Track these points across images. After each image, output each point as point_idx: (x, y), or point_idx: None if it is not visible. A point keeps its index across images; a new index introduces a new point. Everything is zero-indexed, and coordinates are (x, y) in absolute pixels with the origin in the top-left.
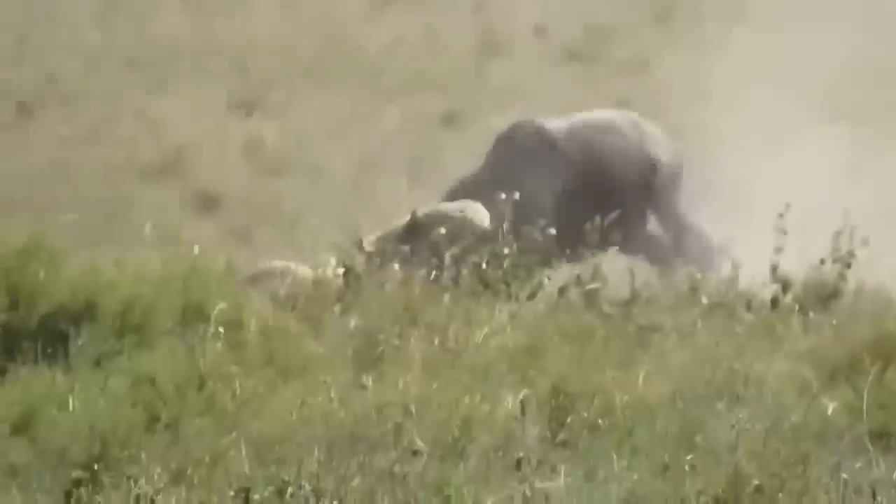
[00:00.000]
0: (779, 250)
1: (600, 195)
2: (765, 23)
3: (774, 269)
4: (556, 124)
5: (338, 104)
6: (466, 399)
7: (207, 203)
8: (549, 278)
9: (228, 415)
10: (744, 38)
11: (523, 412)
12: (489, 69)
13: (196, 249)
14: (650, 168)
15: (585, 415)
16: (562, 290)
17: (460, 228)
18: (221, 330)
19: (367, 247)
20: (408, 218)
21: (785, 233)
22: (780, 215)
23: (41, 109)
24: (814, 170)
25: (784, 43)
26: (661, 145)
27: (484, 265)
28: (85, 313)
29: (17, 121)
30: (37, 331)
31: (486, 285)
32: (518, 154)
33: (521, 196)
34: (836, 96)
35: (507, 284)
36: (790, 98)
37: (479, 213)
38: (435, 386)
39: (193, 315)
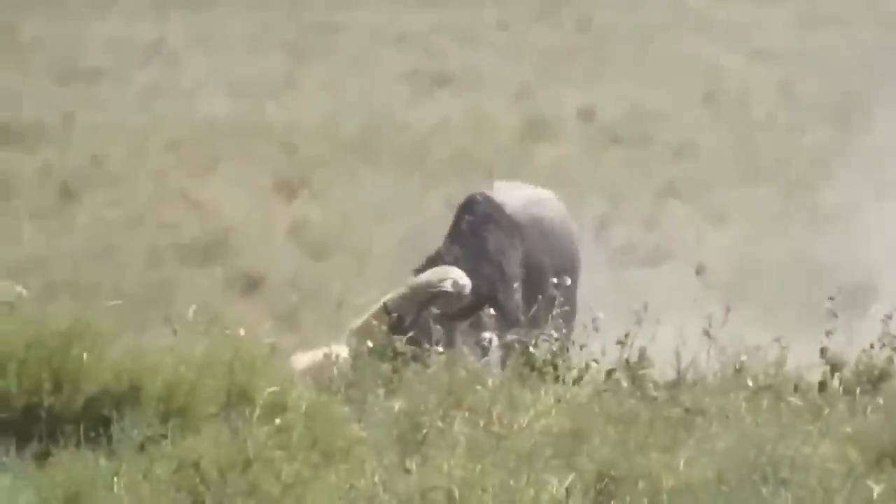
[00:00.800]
0: (829, 333)
1: (539, 268)
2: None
3: (824, 350)
4: (503, 197)
5: (382, 185)
6: (511, 483)
7: (252, 285)
8: (596, 361)
9: (272, 499)
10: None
11: (568, 496)
12: (535, 152)
13: (241, 332)
14: (573, 244)
15: (629, 499)
16: (609, 374)
17: (447, 300)
18: (265, 414)
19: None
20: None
21: (836, 315)
22: (831, 298)
23: (86, 192)
24: (868, 248)
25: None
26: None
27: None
28: (128, 396)
29: (62, 203)
30: (80, 414)
31: (533, 368)
32: (484, 224)
33: (496, 265)
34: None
35: (555, 367)
36: (840, 176)
37: (458, 276)
38: (479, 469)
39: (237, 398)
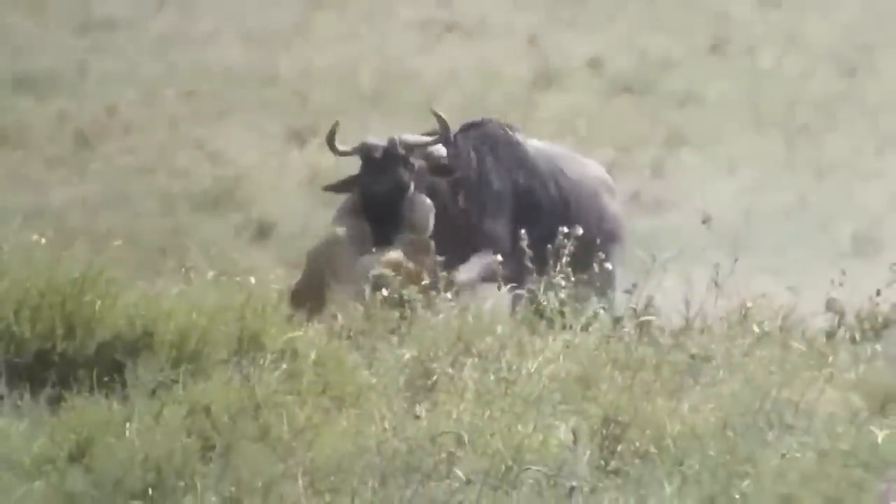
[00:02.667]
0: (835, 281)
1: (554, 216)
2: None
3: (830, 301)
4: (521, 137)
5: (394, 132)
6: (519, 427)
7: (263, 232)
8: (604, 309)
9: (283, 444)
10: (792, 65)
11: (575, 441)
12: (543, 100)
13: (251, 279)
14: (604, 215)
15: (637, 444)
16: (616, 321)
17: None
18: (276, 360)
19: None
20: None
21: (843, 273)
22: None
23: (100, 140)
24: (872, 197)
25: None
26: (616, 200)
27: (540, 296)
28: (141, 342)
29: (77, 151)
30: (93, 359)
31: (541, 315)
32: (482, 141)
33: (482, 182)
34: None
35: (563, 315)
36: (845, 124)
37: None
38: (488, 414)
39: (249, 344)
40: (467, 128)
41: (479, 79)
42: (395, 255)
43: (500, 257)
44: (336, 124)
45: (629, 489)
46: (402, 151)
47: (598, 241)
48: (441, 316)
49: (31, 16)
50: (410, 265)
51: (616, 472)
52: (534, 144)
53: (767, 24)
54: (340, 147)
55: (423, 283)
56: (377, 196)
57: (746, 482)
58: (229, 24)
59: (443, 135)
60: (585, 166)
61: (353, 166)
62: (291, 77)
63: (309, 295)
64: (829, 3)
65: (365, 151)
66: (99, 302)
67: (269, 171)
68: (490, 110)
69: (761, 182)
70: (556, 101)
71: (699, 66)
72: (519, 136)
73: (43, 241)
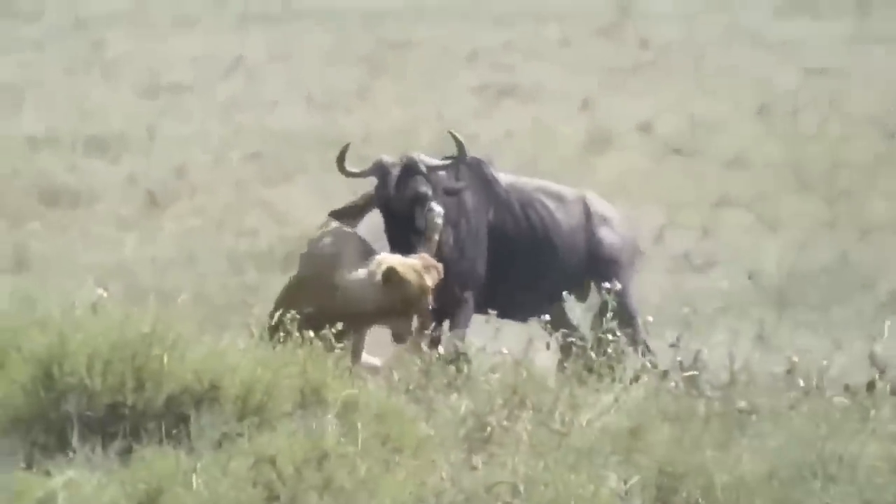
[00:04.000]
0: (877, 336)
1: (530, 253)
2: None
3: (872, 355)
4: (502, 173)
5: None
6: (572, 478)
7: None
8: (651, 363)
9: (346, 494)
10: (835, 129)
11: (627, 491)
12: (596, 163)
13: (311, 335)
14: (594, 246)
15: (686, 494)
16: (664, 374)
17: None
18: (338, 412)
19: None
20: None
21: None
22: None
23: (169, 200)
24: None
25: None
26: (612, 227)
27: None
28: (207, 395)
29: (146, 211)
30: (161, 412)
31: (591, 370)
32: (470, 178)
33: (461, 220)
34: None
35: (613, 370)
36: (886, 186)
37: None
38: (542, 466)
39: (311, 397)
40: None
41: (535, 141)
42: (413, 259)
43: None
44: (346, 146)
45: None
46: (422, 167)
47: (598, 271)
48: (496, 373)
49: (104, 81)
50: (426, 277)
51: None
52: (507, 179)
53: (811, 90)
54: (352, 168)
55: (429, 301)
56: (399, 208)
57: None
58: (293, 88)
59: (460, 158)
60: (564, 198)
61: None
62: (353, 140)
63: (309, 292)
64: (872, 70)
65: (383, 168)
66: (167, 356)
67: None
68: (545, 172)
69: (805, 241)
70: (609, 163)
71: (746, 130)
72: (492, 171)
73: (109, 296)
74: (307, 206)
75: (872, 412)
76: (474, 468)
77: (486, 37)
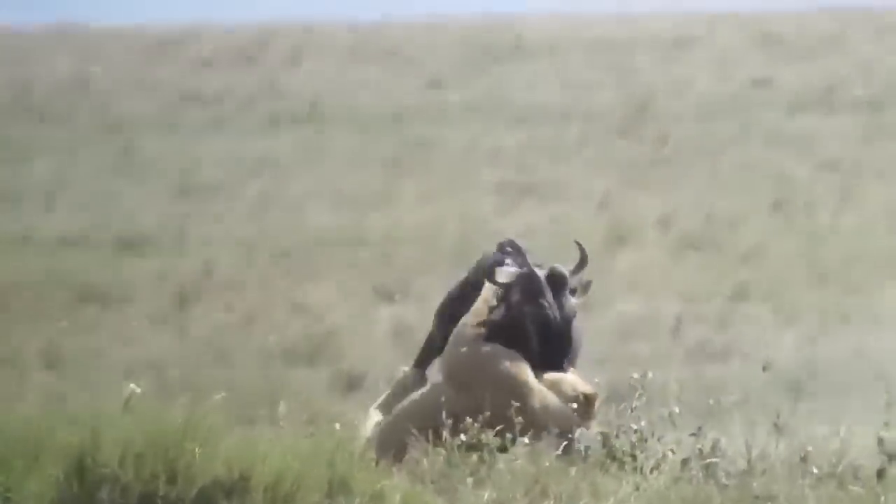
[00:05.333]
0: (887, 424)
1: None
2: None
3: (881, 440)
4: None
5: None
6: None
7: (353, 383)
8: (672, 451)
9: None
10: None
11: None
12: (616, 257)
13: (338, 426)
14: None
15: None
16: (684, 463)
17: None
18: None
19: None
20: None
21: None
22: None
23: (199, 297)
24: None
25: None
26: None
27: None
28: (238, 486)
29: (177, 308)
30: (194, 503)
31: (614, 457)
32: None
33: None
34: None
35: (634, 458)
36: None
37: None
38: None
39: (339, 488)
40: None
41: (554, 238)
42: (571, 377)
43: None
44: (494, 263)
45: None
46: (568, 281)
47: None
48: (518, 461)
49: (135, 181)
50: (586, 389)
51: None
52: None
53: (825, 184)
54: (501, 279)
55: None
56: (556, 326)
57: None
58: (320, 187)
59: (584, 264)
60: None
61: None
62: (378, 238)
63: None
64: (885, 164)
65: (535, 281)
66: (199, 448)
67: (358, 327)
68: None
69: (820, 333)
70: (628, 259)
71: (762, 224)
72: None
73: (140, 390)
74: (333, 302)
75: (882, 498)
76: None
77: (507, 135)
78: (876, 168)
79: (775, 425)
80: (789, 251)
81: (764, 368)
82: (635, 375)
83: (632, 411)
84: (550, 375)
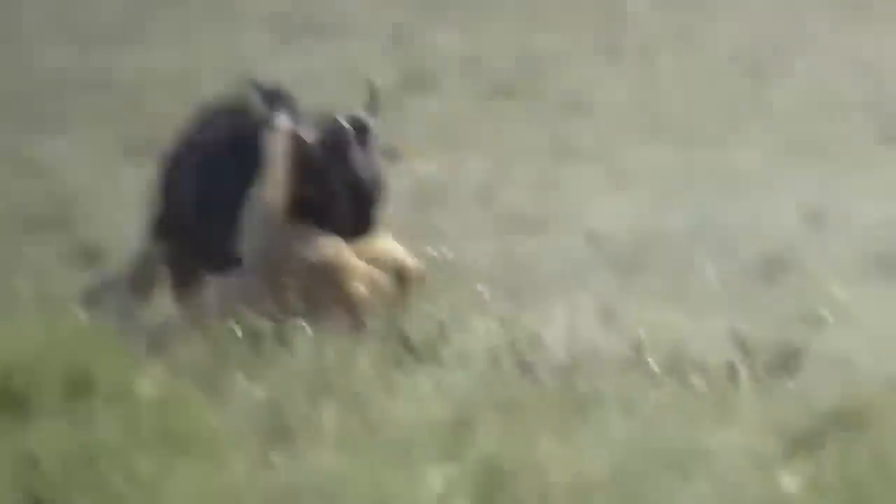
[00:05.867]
0: (734, 309)
1: None
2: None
3: (733, 331)
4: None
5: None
6: (387, 478)
7: (92, 257)
8: (479, 342)
9: (122, 498)
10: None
11: (450, 492)
12: (412, 105)
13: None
14: None
15: (519, 495)
16: (493, 356)
17: None
18: (112, 401)
19: None
20: None
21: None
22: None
23: None
24: (783, 214)
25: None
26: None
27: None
28: None
29: None
30: None
31: (409, 349)
32: None
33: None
34: (808, 131)
35: (433, 349)
36: (753, 133)
37: None
38: (352, 463)
39: (79, 384)
40: None
41: (340, 82)
42: (392, 246)
43: None
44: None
45: None
46: (370, 127)
47: None
48: (299, 353)
49: None
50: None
51: None
52: None
53: (665, 24)
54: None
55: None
56: (365, 186)
57: None
58: (54, 20)
59: (376, 106)
60: None
61: None
62: (126, 82)
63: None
64: (734, 2)
65: (343, 135)
66: None
67: (101, 191)
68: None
69: (658, 198)
70: (427, 108)
71: (588, 68)
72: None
73: None
74: (72, 160)
75: (733, 397)
76: (273, 467)
77: None
78: (724, 4)
79: (604, 310)
80: (621, 101)
81: (591, 241)
82: (433, 251)
83: (432, 294)
84: (368, 247)
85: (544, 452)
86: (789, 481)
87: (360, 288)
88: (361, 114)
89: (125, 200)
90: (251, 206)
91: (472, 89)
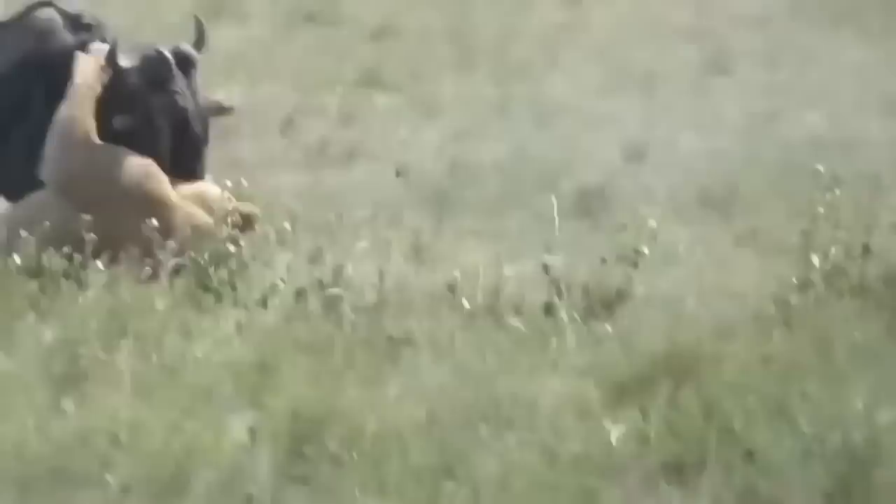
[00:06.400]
0: (552, 245)
1: None
2: None
3: (547, 267)
4: None
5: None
6: (186, 425)
7: None
8: (283, 281)
9: None
10: None
11: (253, 441)
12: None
13: None
14: None
15: (326, 444)
16: (298, 295)
17: None
18: None
19: None
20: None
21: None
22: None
23: None
24: (601, 146)
25: None
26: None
27: (205, 264)
28: None
29: None
30: None
31: (208, 289)
32: None
33: None
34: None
35: (234, 289)
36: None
37: None
38: (148, 410)
39: None
40: None
41: (130, 5)
42: (217, 190)
43: None
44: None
45: (318, 499)
46: (196, 59)
47: None
48: (90, 290)
49: None
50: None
51: (303, 479)
52: None
53: None
54: (124, 63)
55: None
56: (188, 117)
57: (458, 490)
58: None
59: (202, 42)
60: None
61: None
62: None
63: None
64: None
65: (165, 63)
66: None
67: None
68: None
69: (469, 129)
70: (226, 35)
71: None
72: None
73: None
74: None
75: (553, 341)
76: (64, 413)
77: None
78: None
79: (414, 247)
80: (430, 26)
81: (397, 174)
82: (228, 182)
83: (231, 230)
84: (191, 187)
85: (354, 398)
86: (614, 430)
87: (179, 224)
88: (185, 46)
89: None
90: (53, 126)
91: (271, 15)
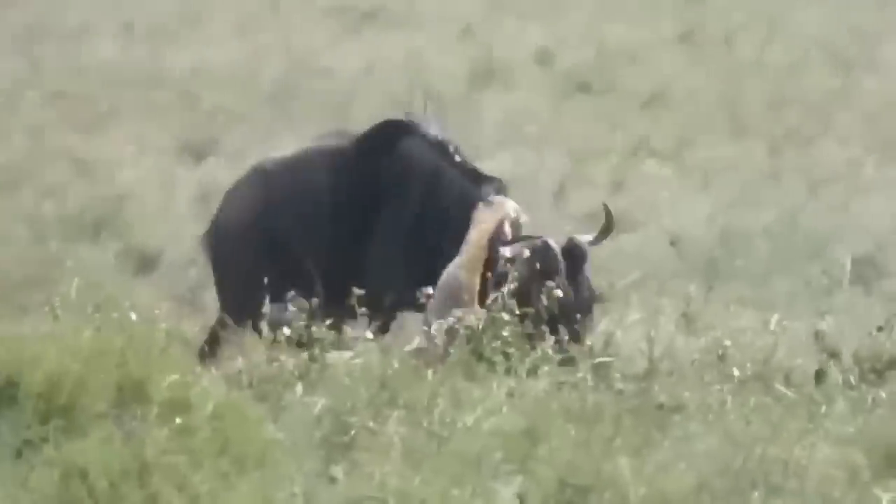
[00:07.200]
0: (825, 313)
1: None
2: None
3: (819, 334)
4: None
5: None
6: (455, 493)
7: (147, 262)
8: (554, 349)
9: None
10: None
11: None
12: (483, 101)
13: (133, 316)
14: None
15: None
16: (569, 363)
17: None
18: (165, 412)
19: None
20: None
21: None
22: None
23: None
24: (872, 214)
25: None
26: None
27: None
28: (4, 394)
29: None
30: None
31: (481, 357)
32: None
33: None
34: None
35: (507, 357)
36: (841, 128)
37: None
38: (418, 478)
39: (132, 394)
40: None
41: (406, 76)
42: None
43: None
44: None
45: None
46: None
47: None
48: (360, 359)
49: None
50: None
51: None
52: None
53: (746, 10)
54: (507, 254)
55: None
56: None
57: None
58: (104, 14)
59: (607, 232)
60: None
61: None
62: (181, 77)
63: None
64: None
65: (547, 254)
66: None
67: (154, 191)
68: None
69: (740, 197)
70: (499, 103)
71: (667, 60)
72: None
73: None
74: (123, 158)
75: (823, 408)
76: (333, 480)
77: None
78: None
79: (684, 315)
80: (701, 93)
81: (672, 243)
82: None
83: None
84: None
85: (622, 465)
86: (885, 498)
87: None
88: (579, 239)
89: (178, 200)
90: (444, 279)
91: (544, 84)
